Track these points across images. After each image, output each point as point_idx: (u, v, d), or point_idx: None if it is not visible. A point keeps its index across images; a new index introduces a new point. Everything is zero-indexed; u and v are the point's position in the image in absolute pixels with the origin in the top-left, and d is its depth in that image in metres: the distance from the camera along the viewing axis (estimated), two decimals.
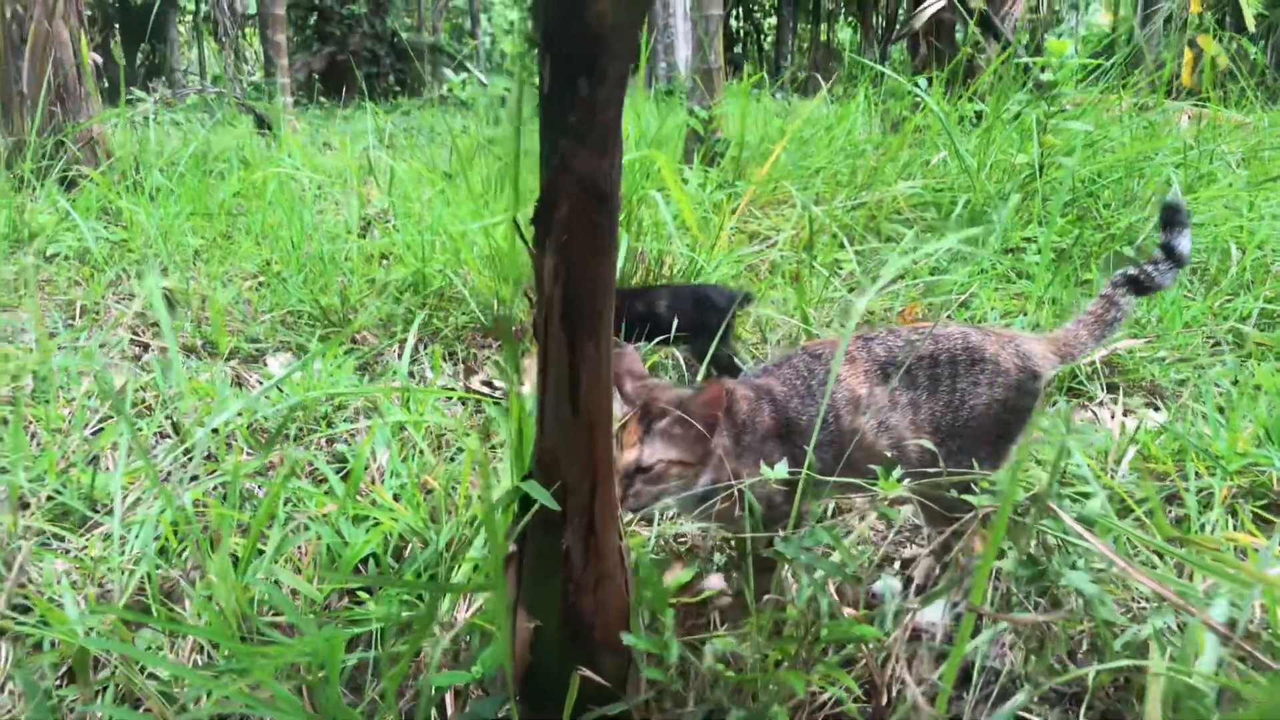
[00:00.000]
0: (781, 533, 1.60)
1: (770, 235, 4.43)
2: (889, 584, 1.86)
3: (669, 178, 2.81)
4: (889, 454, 1.77)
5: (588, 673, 1.24)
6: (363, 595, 1.84)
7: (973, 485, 1.71)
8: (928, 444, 1.73)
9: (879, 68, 6.09)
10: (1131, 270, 1.97)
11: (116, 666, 1.57)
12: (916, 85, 5.34)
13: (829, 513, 2.16)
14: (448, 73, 11.29)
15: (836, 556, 1.56)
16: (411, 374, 3.12)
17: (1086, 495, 2.04)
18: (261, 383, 2.97)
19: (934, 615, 1.72)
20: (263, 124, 6.48)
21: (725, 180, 5.18)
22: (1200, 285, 3.81)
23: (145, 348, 3.32)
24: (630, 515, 1.63)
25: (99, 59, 6.69)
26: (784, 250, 4.11)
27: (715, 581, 1.45)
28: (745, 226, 4.53)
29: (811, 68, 16.58)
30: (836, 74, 5.37)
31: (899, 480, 1.53)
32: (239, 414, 2.49)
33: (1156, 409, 2.83)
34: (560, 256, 1.17)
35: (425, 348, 3.39)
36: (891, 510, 1.59)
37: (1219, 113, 5.36)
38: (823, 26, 16.77)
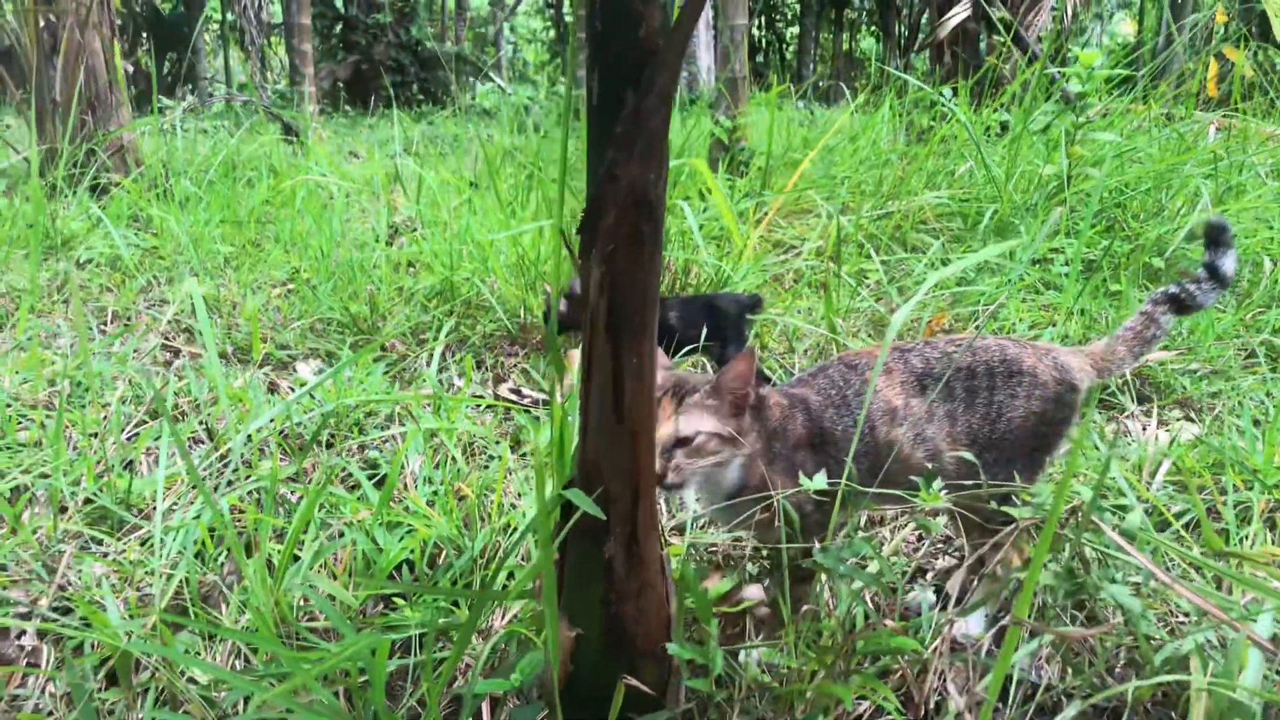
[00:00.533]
0: (816, 543, 1.60)
1: (795, 245, 4.43)
2: (925, 596, 1.86)
3: (710, 184, 2.82)
4: (926, 465, 1.76)
5: (633, 681, 1.24)
6: (397, 601, 1.85)
7: (1012, 497, 1.71)
8: (967, 455, 1.73)
9: (905, 77, 6.06)
10: (1173, 289, 1.96)
11: (156, 669, 1.59)
12: (942, 95, 5.33)
13: (861, 524, 2.16)
14: (475, 82, 11.36)
15: (873, 567, 1.55)
16: (440, 382, 3.14)
17: (1123, 508, 2.04)
18: (293, 389, 2.99)
19: (974, 627, 1.71)
20: (289, 132, 6.53)
21: (752, 189, 5.19)
22: (1232, 298, 3.78)
23: (176, 353, 3.35)
24: (667, 494, 1.62)
25: (130, 68, 6.75)
26: (809, 260, 4.11)
27: (753, 591, 1.45)
28: (770, 235, 4.53)
29: (833, 77, 16.58)
30: (859, 83, 5.36)
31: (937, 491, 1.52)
32: (271, 420, 2.52)
33: (1191, 421, 2.81)
34: (606, 266, 1.18)
35: (453, 355, 3.41)
36: (930, 521, 1.58)
37: (1249, 123, 5.31)
38: (845, 35, 16.76)
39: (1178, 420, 2.81)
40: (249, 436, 2.29)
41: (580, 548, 1.29)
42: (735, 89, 6.21)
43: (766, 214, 3.97)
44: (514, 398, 3.00)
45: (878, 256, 3.89)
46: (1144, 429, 2.73)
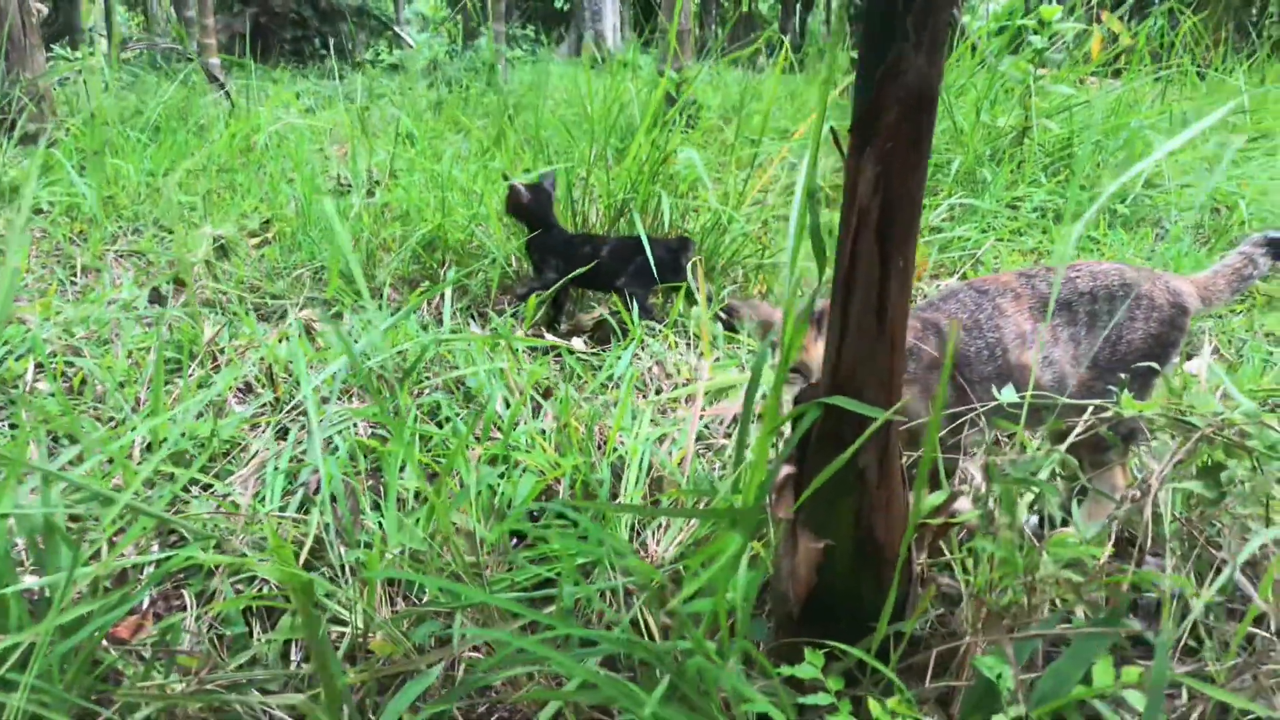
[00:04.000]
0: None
1: (760, 197, 4.44)
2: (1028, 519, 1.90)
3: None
4: (1053, 387, 1.80)
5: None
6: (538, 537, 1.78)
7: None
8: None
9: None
10: (1273, 234, 2.03)
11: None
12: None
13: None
14: (406, 35, 10.95)
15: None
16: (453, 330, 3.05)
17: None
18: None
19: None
20: (214, 82, 6.16)
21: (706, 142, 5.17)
22: (1196, 238, 3.98)
23: (163, 302, 3.14)
24: None
25: (43, 8, 6.27)
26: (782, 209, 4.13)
27: (964, 504, 1.45)
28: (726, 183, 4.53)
29: (728, 40, 16.62)
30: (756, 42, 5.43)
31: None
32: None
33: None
34: (883, 166, 1.15)
35: (458, 303, 3.31)
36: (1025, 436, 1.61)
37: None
38: None
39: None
40: (325, 379, 2.17)
41: (829, 459, 1.26)
42: (683, 42, 6.17)
43: (770, 158, 3.95)
44: (565, 342, 2.94)
45: None
46: None
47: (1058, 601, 1.29)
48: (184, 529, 1.55)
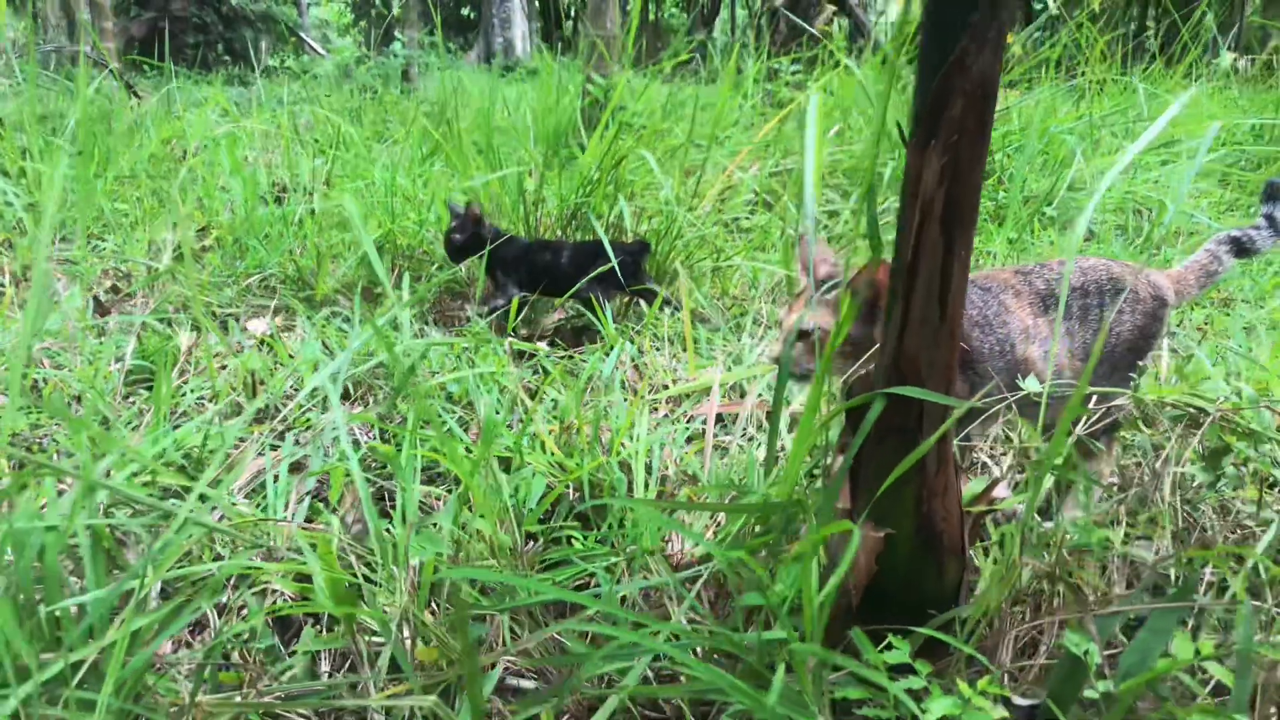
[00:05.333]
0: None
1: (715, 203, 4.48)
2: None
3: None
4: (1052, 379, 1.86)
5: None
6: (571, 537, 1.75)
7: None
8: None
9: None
10: (1236, 232, 2.13)
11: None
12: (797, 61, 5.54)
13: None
14: (312, 42, 10.65)
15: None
16: (420, 333, 2.99)
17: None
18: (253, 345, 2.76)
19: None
20: (129, 89, 5.92)
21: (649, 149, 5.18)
22: (1125, 242, 4.16)
23: (105, 312, 3.00)
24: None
25: None
26: (739, 212, 4.18)
27: (1003, 490, 1.49)
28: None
29: (637, 48, 16.70)
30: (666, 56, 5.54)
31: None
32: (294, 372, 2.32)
33: None
34: (949, 157, 1.17)
35: (414, 309, 3.25)
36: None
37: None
38: (650, 5, 16.94)
39: None
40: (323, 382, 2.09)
41: (891, 446, 1.28)
42: (610, 46, 6.18)
43: (732, 163, 3.99)
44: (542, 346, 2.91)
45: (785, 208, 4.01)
46: None
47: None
48: (235, 537, 1.48)
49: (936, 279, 1.22)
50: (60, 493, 1.22)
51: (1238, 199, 4.84)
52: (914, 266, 1.22)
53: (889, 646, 1.25)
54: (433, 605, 1.54)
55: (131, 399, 2.27)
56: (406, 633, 1.39)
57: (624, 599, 1.54)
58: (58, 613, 1.11)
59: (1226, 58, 7.70)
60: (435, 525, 1.59)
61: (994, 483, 1.44)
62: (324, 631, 1.55)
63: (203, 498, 1.80)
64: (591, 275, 3.00)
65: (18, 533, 1.07)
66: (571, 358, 2.80)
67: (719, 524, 1.74)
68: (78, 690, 1.06)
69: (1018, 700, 1.12)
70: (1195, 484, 1.70)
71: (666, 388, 2.39)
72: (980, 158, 1.19)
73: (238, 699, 1.24)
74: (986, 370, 1.78)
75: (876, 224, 1.26)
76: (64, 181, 3.73)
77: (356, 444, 2.07)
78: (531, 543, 1.78)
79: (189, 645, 1.46)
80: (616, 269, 2.93)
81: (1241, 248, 2.14)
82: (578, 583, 1.67)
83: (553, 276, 3.10)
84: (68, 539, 1.16)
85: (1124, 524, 1.59)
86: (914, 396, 1.25)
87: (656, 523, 1.60)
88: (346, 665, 1.50)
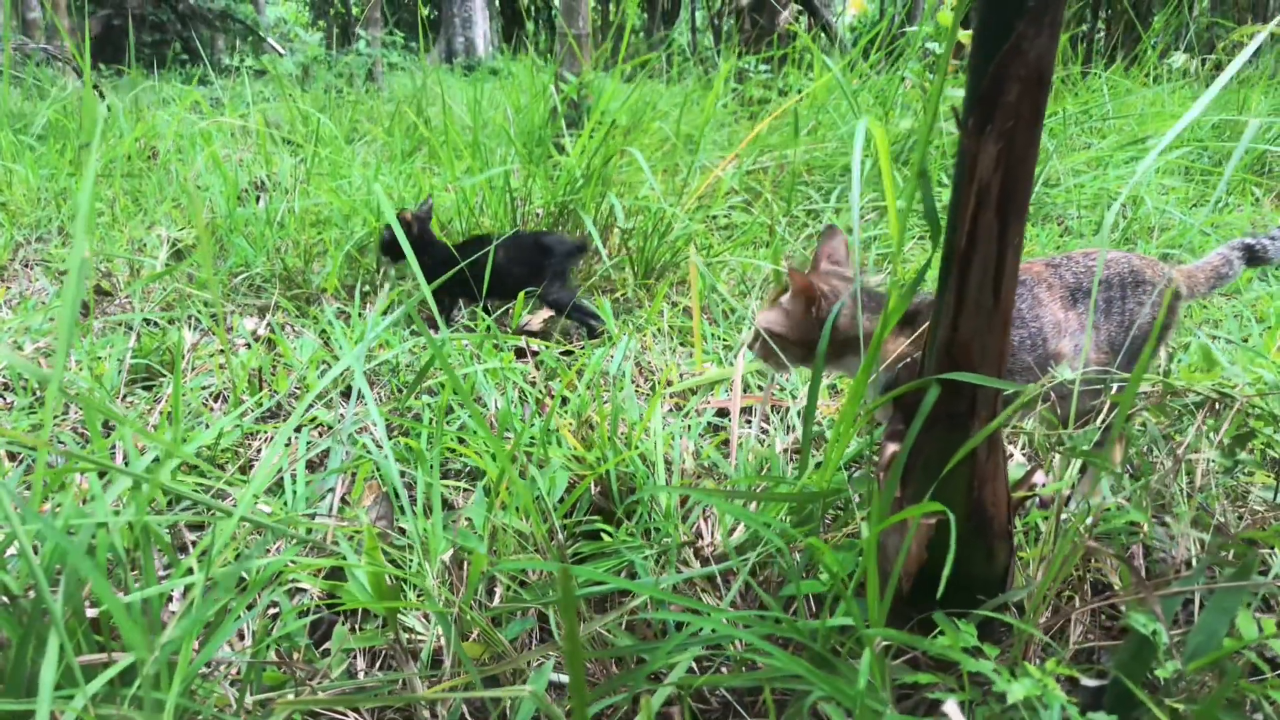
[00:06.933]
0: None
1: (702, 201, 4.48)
2: None
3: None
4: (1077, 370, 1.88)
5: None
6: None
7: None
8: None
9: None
10: (1249, 239, 2.16)
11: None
12: (766, 62, 5.56)
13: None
14: (272, 41, 10.47)
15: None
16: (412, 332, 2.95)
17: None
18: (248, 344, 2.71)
19: None
20: (96, 90, 5.78)
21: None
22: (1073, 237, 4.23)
23: (86, 312, 2.92)
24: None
25: None
26: (721, 208, 4.19)
27: (1041, 476, 1.50)
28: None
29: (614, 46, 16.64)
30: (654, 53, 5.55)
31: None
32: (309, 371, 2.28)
33: None
34: (1004, 143, 1.18)
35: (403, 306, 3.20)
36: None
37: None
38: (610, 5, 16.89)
39: None
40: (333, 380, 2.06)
41: (943, 433, 1.28)
42: (582, 44, 6.16)
43: (727, 157, 3.99)
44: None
45: (773, 203, 4.03)
46: None
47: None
48: (283, 534, 1.45)
49: (991, 266, 1.22)
50: (104, 489, 1.17)
51: (1203, 193, 4.94)
52: (968, 253, 1.22)
53: (940, 632, 1.26)
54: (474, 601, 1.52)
55: (131, 399, 2.22)
56: (440, 629, 1.36)
57: (673, 589, 1.52)
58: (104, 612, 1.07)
59: (1178, 58, 7.86)
60: (468, 520, 1.57)
61: (1034, 468, 1.45)
62: (355, 629, 1.52)
63: (219, 494, 1.77)
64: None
65: (62, 530, 1.03)
66: (570, 353, 2.78)
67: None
68: (128, 689, 1.02)
69: (1086, 681, 1.13)
70: (1211, 469, 1.73)
71: (670, 384, 2.37)
72: (1034, 143, 1.20)
73: (290, 696, 1.21)
74: (1020, 363, 1.79)
75: (935, 212, 1.26)
76: (35, 180, 3.65)
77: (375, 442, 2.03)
78: (556, 538, 1.76)
79: (231, 645, 1.42)
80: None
81: (1254, 255, 2.18)
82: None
83: (491, 275, 2.90)
84: (113, 538, 1.12)
85: (1149, 509, 1.61)
86: (966, 382, 1.25)
87: (704, 506, 1.59)
88: (380, 663, 1.48)
